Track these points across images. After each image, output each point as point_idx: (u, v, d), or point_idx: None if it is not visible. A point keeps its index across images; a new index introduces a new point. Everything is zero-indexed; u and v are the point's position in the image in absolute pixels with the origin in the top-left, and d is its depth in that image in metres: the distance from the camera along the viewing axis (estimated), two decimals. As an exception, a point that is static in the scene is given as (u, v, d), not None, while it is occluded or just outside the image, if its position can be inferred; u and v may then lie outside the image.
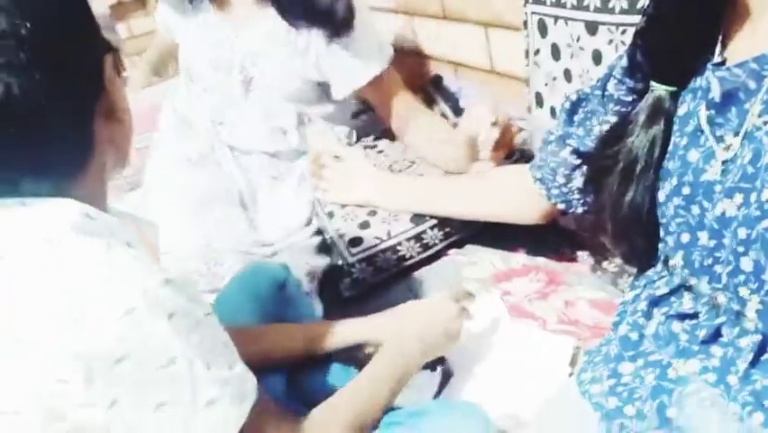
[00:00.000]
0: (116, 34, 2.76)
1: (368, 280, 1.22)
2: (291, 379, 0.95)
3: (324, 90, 1.35)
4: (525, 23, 1.18)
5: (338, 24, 1.22)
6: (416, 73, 1.71)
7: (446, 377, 0.98)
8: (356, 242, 1.23)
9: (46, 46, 0.60)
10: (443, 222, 1.22)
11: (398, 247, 1.22)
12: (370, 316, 0.97)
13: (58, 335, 0.56)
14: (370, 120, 1.50)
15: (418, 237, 1.22)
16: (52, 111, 0.61)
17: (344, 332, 0.94)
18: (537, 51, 1.16)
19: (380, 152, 1.43)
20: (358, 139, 1.48)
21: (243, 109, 1.35)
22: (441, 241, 1.23)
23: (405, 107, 1.35)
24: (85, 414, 0.57)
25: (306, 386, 0.95)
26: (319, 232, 1.35)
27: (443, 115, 1.50)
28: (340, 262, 1.24)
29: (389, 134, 1.45)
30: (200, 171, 1.36)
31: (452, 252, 1.24)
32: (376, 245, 1.22)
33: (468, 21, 1.46)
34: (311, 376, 0.96)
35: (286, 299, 1.06)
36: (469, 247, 1.24)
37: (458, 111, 1.48)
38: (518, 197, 1.03)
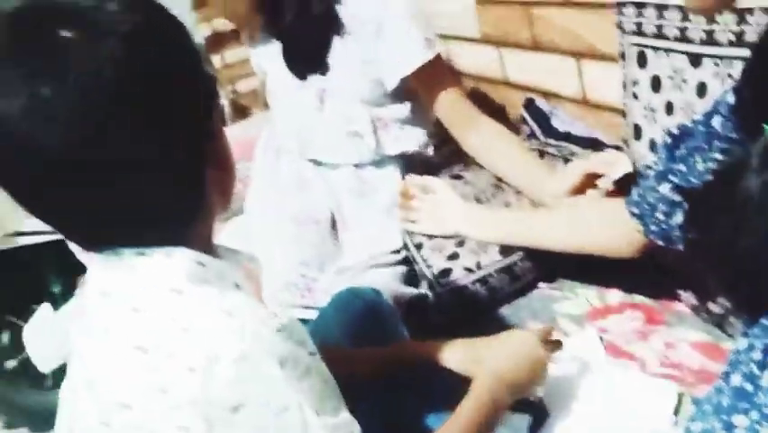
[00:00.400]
0: (212, 66, 2.87)
1: (456, 311, 1.21)
2: (385, 420, 0.95)
3: (392, 95, 1.39)
4: (623, 54, 1.15)
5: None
6: (504, 102, 1.70)
7: (541, 416, 0.96)
8: (445, 273, 1.22)
9: (160, 100, 0.60)
10: (533, 254, 1.20)
11: (488, 279, 1.20)
12: (461, 343, 0.97)
13: (183, 383, 0.59)
14: (453, 151, 1.50)
15: (508, 269, 1.21)
16: (168, 162, 0.62)
17: (439, 357, 0.96)
18: (635, 83, 1.14)
19: (467, 183, 1.42)
20: (442, 169, 1.48)
21: (322, 120, 1.40)
22: (531, 273, 1.22)
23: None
24: None
25: (400, 424, 0.96)
26: (405, 261, 1.35)
27: (532, 134, 1.48)
28: (429, 293, 1.24)
29: (473, 163, 1.45)
30: (293, 195, 1.41)
31: (543, 285, 1.22)
32: (465, 276, 1.21)
33: (559, 51, 1.44)
34: (404, 415, 0.96)
35: (379, 323, 1.07)
36: (562, 281, 1.21)
37: (548, 131, 1.46)
38: (613, 231, 1.00)
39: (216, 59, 3.14)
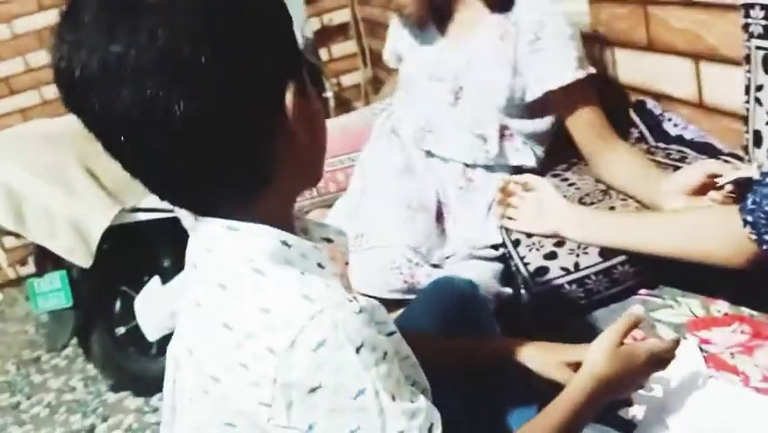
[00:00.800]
0: (319, 59, 2.95)
1: (549, 311, 1.20)
2: (469, 395, 0.96)
3: (526, 107, 1.40)
4: (747, 57, 1.10)
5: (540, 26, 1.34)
6: (612, 101, 1.65)
7: (630, 424, 0.94)
8: (541, 271, 1.21)
9: (226, 73, 0.61)
10: (635, 258, 1.16)
11: (586, 281, 1.18)
12: (552, 346, 0.97)
13: (263, 362, 0.62)
14: (559, 151, 1.48)
15: (607, 272, 1.18)
16: (232, 135, 0.63)
17: (526, 357, 0.96)
18: (760, 88, 1.08)
19: (571, 184, 1.40)
20: (548, 169, 1.46)
21: (451, 117, 1.43)
22: (632, 278, 1.18)
23: (596, 129, 1.36)
24: None
25: (483, 400, 0.96)
26: (503, 259, 1.35)
27: (641, 137, 1.44)
28: (522, 291, 1.23)
29: (579, 166, 1.42)
30: (408, 181, 1.45)
31: (643, 291, 1.18)
32: (561, 276, 1.19)
33: (675, 52, 1.39)
34: (488, 391, 0.97)
35: (470, 315, 1.08)
36: (663, 289, 1.17)
37: (659, 134, 1.41)
38: (723, 239, 0.96)
39: (324, 53, 3.22)
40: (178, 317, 0.75)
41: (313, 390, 0.61)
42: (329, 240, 0.79)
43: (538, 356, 0.96)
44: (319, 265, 0.70)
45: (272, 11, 0.67)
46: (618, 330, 0.88)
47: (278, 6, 0.67)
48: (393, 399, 0.64)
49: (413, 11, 1.47)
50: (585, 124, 1.38)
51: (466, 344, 1.01)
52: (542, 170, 1.46)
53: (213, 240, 0.69)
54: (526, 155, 1.43)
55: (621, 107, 1.54)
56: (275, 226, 0.68)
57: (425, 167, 1.48)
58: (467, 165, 1.45)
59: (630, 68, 1.56)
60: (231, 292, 0.66)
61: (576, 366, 0.91)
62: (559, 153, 1.48)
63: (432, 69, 1.46)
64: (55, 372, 2.62)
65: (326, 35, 3.26)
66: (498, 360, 0.98)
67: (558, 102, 1.38)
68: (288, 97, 0.66)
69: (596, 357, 0.86)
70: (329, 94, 2.25)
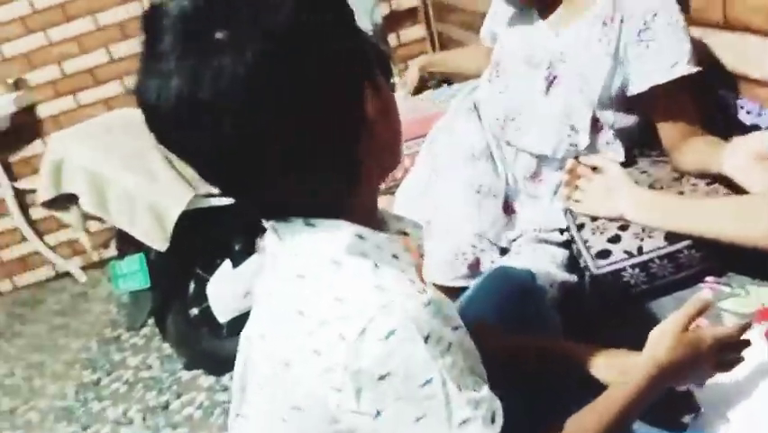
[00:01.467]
0: (388, 45, 2.96)
1: (613, 297, 1.18)
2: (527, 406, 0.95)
3: (622, 100, 1.34)
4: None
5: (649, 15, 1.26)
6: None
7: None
8: (604, 254, 1.19)
9: (308, 91, 0.64)
10: (701, 243, 1.13)
11: (650, 264, 1.16)
12: (616, 352, 0.95)
13: (335, 349, 0.64)
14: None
15: (672, 256, 1.15)
16: (318, 147, 0.66)
17: (590, 363, 0.94)
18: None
19: (643, 172, 1.36)
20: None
21: (541, 106, 1.38)
22: (698, 263, 1.15)
23: (688, 128, 1.30)
24: (356, 420, 0.65)
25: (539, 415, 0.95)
26: (568, 245, 1.33)
27: (713, 123, 1.38)
28: (585, 274, 1.22)
29: (653, 156, 1.38)
30: (481, 166, 1.43)
31: (710, 279, 1.15)
32: (624, 259, 1.17)
33: (753, 30, 1.33)
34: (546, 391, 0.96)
35: (528, 306, 1.07)
36: (731, 276, 1.13)
37: (734, 125, 1.35)
38: None
39: (393, 39, 3.22)
40: (254, 302, 0.78)
41: (382, 377, 0.64)
42: (405, 233, 0.81)
43: (603, 363, 0.94)
44: (394, 256, 0.72)
45: (340, 20, 0.69)
46: (685, 315, 0.86)
47: (344, 14, 0.69)
48: (459, 388, 0.66)
49: None
50: (678, 123, 1.30)
51: (527, 340, 1.00)
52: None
53: (292, 234, 0.72)
54: (617, 150, 1.37)
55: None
56: (358, 221, 0.71)
57: (497, 153, 1.46)
58: (541, 160, 1.41)
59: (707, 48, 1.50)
60: (308, 282, 0.69)
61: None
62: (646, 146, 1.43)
63: (528, 53, 1.41)
64: (133, 350, 2.75)
65: (395, 20, 3.27)
66: (560, 364, 0.97)
67: (658, 97, 1.30)
68: (367, 99, 0.69)
69: (659, 341, 0.85)
70: (396, 79, 2.26)
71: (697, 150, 1.27)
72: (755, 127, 1.31)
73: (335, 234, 0.70)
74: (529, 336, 1.02)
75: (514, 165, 1.45)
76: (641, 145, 1.41)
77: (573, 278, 1.31)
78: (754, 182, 1.09)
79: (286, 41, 0.62)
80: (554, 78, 1.36)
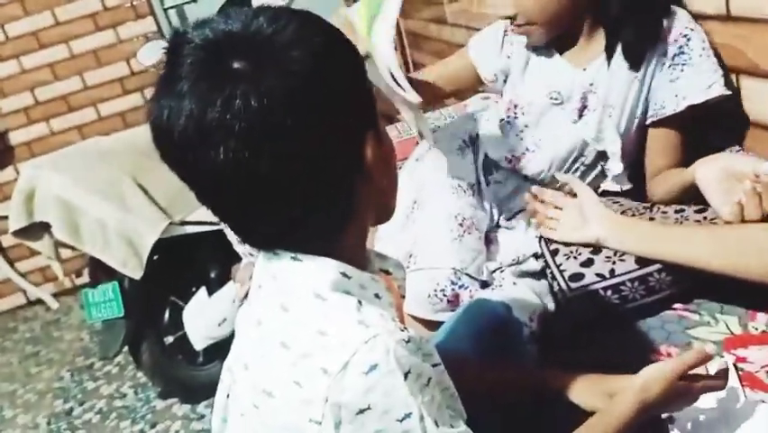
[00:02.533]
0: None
1: (584, 317, 1.20)
2: (507, 418, 0.97)
3: (637, 129, 1.37)
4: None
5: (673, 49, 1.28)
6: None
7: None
8: (576, 277, 1.21)
9: (312, 134, 0.65)
10: (672, 267, 1.15)
11: (621, 288, 1.18)
12: (595, 377, 0.96)
13: (316, 381, 0.65)
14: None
15: (643, 279, 1.17)
16: (315, 187, 0.68)
17: (569, 389, 0.95)
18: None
19: (615, 202, 1.39)
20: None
21: (571, 134, 1.40)
22: (669, 287, 1.17)
23: (677, 158, 1.34)
24: None
25: (521, 420, 0.97)
26: (543, 272, 1.36)
27: None
28: (558, 297, 1.24)
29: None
30: (467, 200, 1.44)
31: (679, 306, 1.17)
32: (597, 282, 1.19)
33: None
34: (525, 418, 0.97)
35: (504, 338, 1.08)
36: (699, 303, 1.16)
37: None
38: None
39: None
40: (237, 333, 0.79)
41: (362, 411, 0.65)
42: (387, 272, 0.82)
43: (581, 388, 0.95)
44: (376, 296, 0.74)
45: (352, 70, 0.71)
46: (684, 364, 0.86)
47: (357, 64, 0.72)
48: (436, 424, 0.67)
49: (541, 38, 1.39)
50: (670, 153, 1.34)
51: (506, 372, 1.02)
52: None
53: (278, 268, 0.73)
54: (620, 181, 1.41)
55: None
56: (345, 259, 0.72)
57: (486, 185, 1.48)
58: (527, 179, 1.45)
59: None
60: (292, 314, 0.70)
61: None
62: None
63: (554, 90, 1.40)
64: (107, 378, 2.71)
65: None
66: (541, 393, 0.98)
67: (681, 119, 1.32)
68: (368, 148, 0.71)
69: (652, 385, 0.85)
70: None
71: (670, 174, 1.31)
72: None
73: (320, 271, 0.71)
74: (507, 366, 1.04)
75: (499, 195, 1.47)
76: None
77: (551, 306, 1.33)
78: (717, 197, 1.11)
79: (303, 80, 0.64)
80: (585, 107, 1.39)
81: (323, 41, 0.67)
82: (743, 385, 0.95)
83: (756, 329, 1.06)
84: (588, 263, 1.22)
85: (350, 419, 0.65)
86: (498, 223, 1.49)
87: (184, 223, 2.12)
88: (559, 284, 1.23)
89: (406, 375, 0.65)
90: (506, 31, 1.48)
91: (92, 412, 2.53)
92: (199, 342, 2.22)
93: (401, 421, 0.65)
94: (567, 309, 1.22)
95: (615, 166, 1.38)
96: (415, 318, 1.34)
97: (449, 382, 0.76)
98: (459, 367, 0.82)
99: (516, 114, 1.47)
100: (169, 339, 2.31)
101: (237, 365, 0.76)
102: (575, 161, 1.43)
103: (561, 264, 1.25)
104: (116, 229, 2.05)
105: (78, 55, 3.34)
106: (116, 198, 2.09)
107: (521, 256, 1.40)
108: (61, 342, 3.15)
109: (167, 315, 2.32)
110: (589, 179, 1.44)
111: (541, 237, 1.33)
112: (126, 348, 2.22)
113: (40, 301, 3.49)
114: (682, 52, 1.28)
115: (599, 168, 1.44)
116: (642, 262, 1.17)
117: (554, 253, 1.28)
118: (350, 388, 0.64)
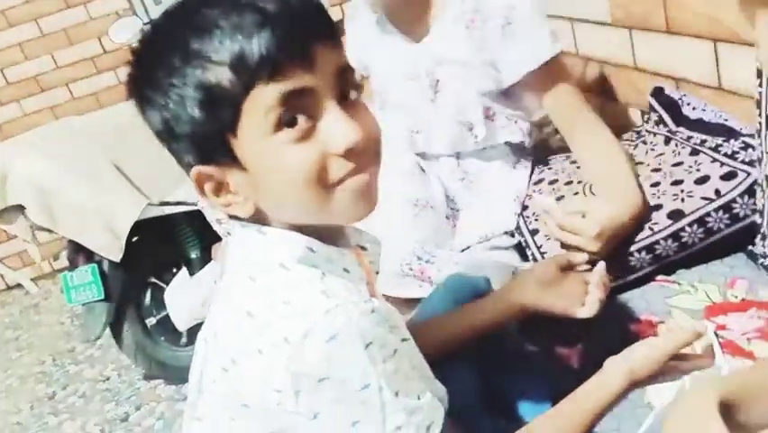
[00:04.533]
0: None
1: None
2: (483, 382, 0.98)
3: (506, 90, 1.39)
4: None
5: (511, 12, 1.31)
6: (631, 87, 1.65)
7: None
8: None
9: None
10: (649, 245, 1.16)
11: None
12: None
13: (277, 350, 0.65)
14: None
15: (622, 259, 1.18)
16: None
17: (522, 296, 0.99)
18: (773, 71, 1.07)
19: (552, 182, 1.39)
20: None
21: (435, 111, 1.42)
22: (649, 265, 1.18)
23: (568, 101, 1.35)
24: (294, 420, 0.66)
25: (498, 388, 0.98)
26: (519, 247, 1.36)
27: (661, 121, 1.43)
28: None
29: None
30: (416, 180, 1.44)
31: (660, 277, 1.18)
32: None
33: (694, 35, 1.38)
34: (503, 379, 0.98)
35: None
36: (681, 273, 1.17)
37: (678, 119, 1.40)
38: None
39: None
40: (212, 304, 0.79)
41: (321, 380, 0.65)
42: (363, 248, 0.82)
43: (527, 290, 0.99)
44: (345, 270, 0.73)
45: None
46: (676, 343, 0.84)
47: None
48: (396, 395, 0.67)
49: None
50: (560, 103, 1.35)
51: (468, 309, 1.03)
52: (533, 142, 1.49)
53: (245, 240, 0.74)
54: (514, 131, 1.42)
55: (640, 92, 1.53)
56: (311, 234, 0.72)
57: (426, 166, 1.48)
58: (458, 157, 1.45)
59: (650, 52, 1.55)
60: (258, 284, 0.71)
61: (569, 267, 0.98)
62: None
63: (405, 68, 1.43)
64: (89, 362, 2.70)
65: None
66: (500, 315, 1.00)
67: (535, 82, 1.35)
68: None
69: (643, 364, 0.83)
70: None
71: (585, 159, 1.33)
72: (701, 121, 1.35)
73: (285, 244, 0.71)
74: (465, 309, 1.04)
75: (442, 173, 1.47)
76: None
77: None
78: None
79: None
80: (437, 82, 1.40)
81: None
82: (723, 352, 0.97)
83: (735, 297, 1.07)
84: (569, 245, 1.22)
85: (309, 388, 0.65)
86: (457, 200, 1.47)
87: (162, 203, 2.09)
88: None
89: (367, 345, 0.65)
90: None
91: (75, 396, 2.52)
92: (182, 323, 2.20)
93: (360, 391, 0.66)
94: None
95: (479, 132, 1.40)
96: (390, 299, 1.34)
97: (420, 360, 0.77)
98: (432, 327, 0.86)
99: (382, 102, 1.49)
100: (152, 321, 2.29)
101: (209, 334, 0.76)
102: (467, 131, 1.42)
103: (541, 246, 1.25)
104: (93, 211, 2.02)
105: (48, 34, 3.27)
106: (92, 179, 2.06)
107: (489, 234, 1.39)
108: (41, 326, 3.12)
109: (148, 296, 2.30)
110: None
111: (521, 215, 1.34)
112: (108, 331, 2.20)
113: (18, 286, 3.45)
114: (509, 23, 1.30)
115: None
116: (621, 241, 1.17)
117: (534, 232, 1.28)
118: (310, 357, 0.64)
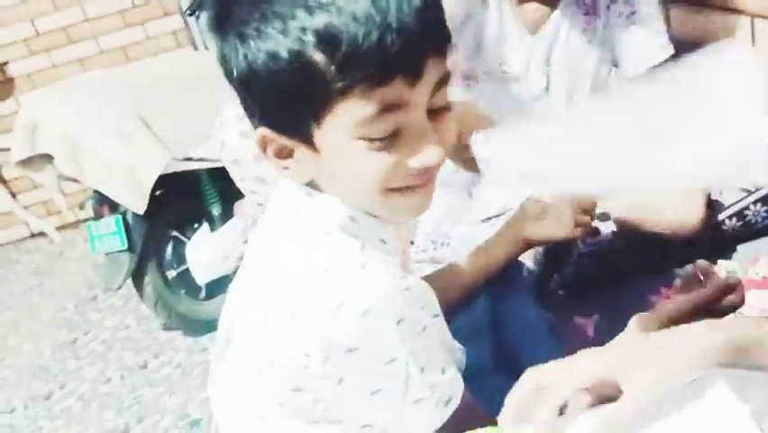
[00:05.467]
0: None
1: (591, 274, 1.21)
2: (499, 346, 0.99)
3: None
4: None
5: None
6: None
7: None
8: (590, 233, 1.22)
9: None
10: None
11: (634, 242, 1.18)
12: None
13: (311, 316, 0.67)
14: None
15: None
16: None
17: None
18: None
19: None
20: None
21: (541, 106, 1.36)
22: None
23: None
24: (318, 383, 0.68)
25: (513, 353, 1.00)
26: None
27: None
28: (573, 252, 1.25)
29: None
30: None
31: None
32: (613, 241, 1.20)
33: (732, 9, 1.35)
34: (519, 344, 1.00)
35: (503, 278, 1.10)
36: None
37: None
38: None
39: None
40: (246, 255, 0.80)
41: (351, 350, 0.66)
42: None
43: (525, 225, 1.02)
44: (382, 241, 0.74)
45: None
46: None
47: None
48: (422, 370, 0.69)
49: None
50: None
51: (478, 252, 1.04)
52: None
53: (292, 200, 0.74)
54: None
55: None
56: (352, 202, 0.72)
57: None
58: None
59: (682, 24, 1.53)
60: (298, 246, 0.72)
61: None
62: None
63: (511, 63, 1.32)
64: (111, 310, 2.76)
65: None
66: (507, 252, 1.03)
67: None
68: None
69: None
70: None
71: None
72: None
73: (330, 210, 0.72)
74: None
75: None
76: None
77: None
78: None
79: None
80: (548, 77, 1.33)
81: None
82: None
83: (758, 274, 1.07)
84: (604, 217, 1.21)
85: (338, 357, 0.66)
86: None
87: (187, 159, 2.12)
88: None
89: (399, 322, 0.66)
90: None
91: (96, 342, 2.58)
92: (202, 276, 2.25)
93: (387, 364, 0.67)
94: (576, 262, 1.22)
95: None
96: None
97: (447, 336, 0.78)
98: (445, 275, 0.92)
99: (469, 84, 1.37)
100: (172, 273, 2.33)
101: (244, 287, 0.77)
102: None
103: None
104: (119, 163, 2.05)
105: (79, -16, 3.27)
106: (119, 132, 2.09)
107: (509, 204, 1.39)
108: (65, 274, 3.18)
109: (170, 249, 2.34)
110: None
111: None
112: (130, 281, 2.25)
113: (42, 234, 3.51)
114: (633, 12, 1.26)
115: None
116: None
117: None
118: (342, 327, 0.65)
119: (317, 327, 0.66)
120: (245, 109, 0.70)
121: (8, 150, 2.23)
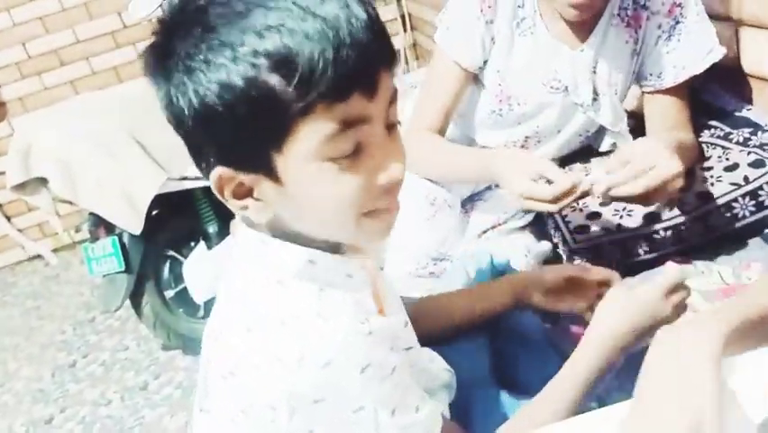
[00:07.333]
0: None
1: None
2: (497, 357, 1.00)
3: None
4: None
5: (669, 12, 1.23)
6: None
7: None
8: (581, 229, 1.23)
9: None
10: (675, 225, 1.18)
11: (627, 243, 1.20)
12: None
13: (273, 369, 0.66)
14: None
15: (648, 237, 1.19)
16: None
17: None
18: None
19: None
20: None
21: (579, 120, 1.36)
22: (671, 245, 1.19)
23: (678, 117, 1.29)
24: None
25: (511, 364, 1.00)
26: (539, 218, 1.37)
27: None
28: (560, 248, 1.26)
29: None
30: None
31: (677, 259, 1.19)
32: (602, 236, 1.21)
33: (717, 18, 1.37)
34: (517, 355, 1.00)
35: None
36: (697, 255, 1.18)
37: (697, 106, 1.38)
38: None
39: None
40: (217, 298, 0.78)
41: (316, 401, 0.65)
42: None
43: (534, 294, 0.99)
44: (348, 276, 0.72)
45: None
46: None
47: None
48: (392, 414, 0.68)
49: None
50: (672, 109, 1.28)
51: (473, 293, 1.03)
52: None
53: (248, 246, 0.72)
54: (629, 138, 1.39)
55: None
56: (319, 240, 0.71)
57: None
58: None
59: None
60: (256, 298, 0.70)
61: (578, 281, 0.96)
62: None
63: (550, 76, 1.31)
64: (109, 332, 2.75)
65: (366, 1, 3.25)
66: (501, 306, 1.00)
67: (680, 85, 1.27)
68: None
69: (622, 323, 0.83)
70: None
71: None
72: (722, 111, 1.34)
73: (284, 259, 0.70)
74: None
75: None
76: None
77: (549, 246, 1.33)
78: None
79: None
80: (595, 93, 1.32)
81: None
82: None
83: (750, 279, 1.08)
84: (594, 216, 1.23)
85: (304, 408, 0.65)
86: (473, 194, 1.47)
87: (182, 178, 2.12)
88: (563, 235, 1.25)
89: (363, 369, 0.65)
90: (482, 9, 1.27)
91: (96, 364, 2.57)
92: (200, 295, 2.24)
93: (355, 412, 0.66)
94: (570, 259, 1.24)
95: (628, 139, 1.36)
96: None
97: (426, 364, 0.77)
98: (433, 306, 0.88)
99: (510, 106, 1.35)
100: (170, 293, 2.33)
101: (214, 333, 0.75)
102: (578, 137, 1.42)
103: (566, 216, 1.26)
104: (114, 184, 2.05)
105: (69, 8, 3.28)
106: (114, 153, 2.09)
107: (501, 217, 1.40)
108: (62, 297, 3.18)
109: (167, 269, 2.34)
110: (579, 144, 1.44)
111: None
112: (128, 302, 2.25)
113: (38, 257, 3.51)
114: (678, 22, 1.23)
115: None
116: (648, 218, 1.18)
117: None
118: (305, 381, 0.64)
119: (279, 380, 0.65)
120: (197, 156, 0.68)
121: (2, 173, 2.23)
